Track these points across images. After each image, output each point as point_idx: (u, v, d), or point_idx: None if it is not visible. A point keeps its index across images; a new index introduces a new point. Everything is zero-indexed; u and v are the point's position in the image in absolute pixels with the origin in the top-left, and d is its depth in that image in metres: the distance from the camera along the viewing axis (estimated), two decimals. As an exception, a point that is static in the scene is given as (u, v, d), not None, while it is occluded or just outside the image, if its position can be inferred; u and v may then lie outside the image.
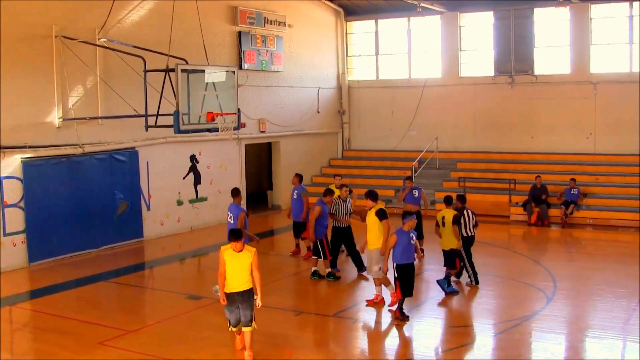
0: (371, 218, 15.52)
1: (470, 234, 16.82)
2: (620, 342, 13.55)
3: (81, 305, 15.86)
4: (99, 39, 20.79)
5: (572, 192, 25.37)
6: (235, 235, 11.85)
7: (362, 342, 13.84)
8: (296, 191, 20.20)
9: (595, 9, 28.19)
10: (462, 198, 17.16)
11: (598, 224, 24.85)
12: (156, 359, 12.54)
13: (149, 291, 18.06)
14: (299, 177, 20.54)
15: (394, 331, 14.34)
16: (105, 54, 21.16)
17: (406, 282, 14.32)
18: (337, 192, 18.74)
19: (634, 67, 27.57)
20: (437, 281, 16.34)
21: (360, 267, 18.00)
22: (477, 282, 16.63)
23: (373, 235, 15.42)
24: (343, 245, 18.52)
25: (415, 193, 20.12)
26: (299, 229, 20.21)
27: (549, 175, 26.82)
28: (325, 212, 17.73)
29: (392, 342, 13.88)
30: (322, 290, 17.21)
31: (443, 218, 16.41)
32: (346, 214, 18.11)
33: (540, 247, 21.79)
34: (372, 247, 15.37)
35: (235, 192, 16.96)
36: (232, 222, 16.27)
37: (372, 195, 15.86)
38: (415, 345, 13.69)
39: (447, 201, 16.74)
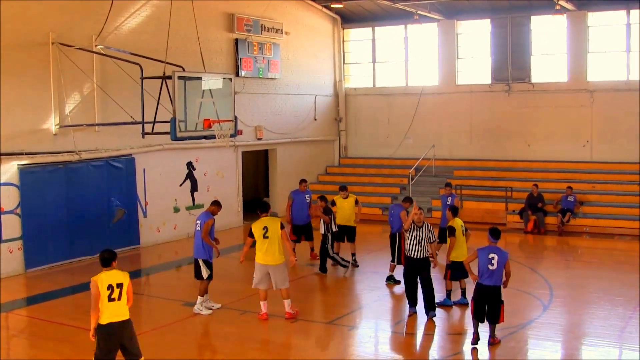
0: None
1: None
2: (617, 349, 13.59)
3: (77, 312, 15.81)
4: (96, 46, 20.82)
5: (568, 199, 25.39)
6: (104, 260, 10.70)
7: (357, 350, 13.81)
8: (307, 195, 20.52)
9: (592, 17, 28.27)
10: (454, 209, 16.93)
11: (594, 231, 24.87)
12: (152, 366, 12.51)
13: (145, 298, 18.00)
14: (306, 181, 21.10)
15: (389, 339, 14.35)
16: (102, 61, 21.18)
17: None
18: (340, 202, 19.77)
19: (631, 75, 27.63)
20: (438, 304, 15.46)
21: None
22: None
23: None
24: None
25: (449, 200, 20.77)
26: (308, 231, 20.54)
27: (546, 183, 26.84)
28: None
29: (386, 350, 13.88)
30: (319, 298, 17.20)
31: (462, 226, 15.96)
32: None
33: (537, 255, 21.79)
34: None
35: (215, 203, 16.68)
36: (198, 229, 15.99)
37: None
38: (411, 352, 13.68)
39: (454, 211, 16.40)
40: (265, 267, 14.66)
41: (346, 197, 19.87)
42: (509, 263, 13.00)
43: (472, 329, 13.09)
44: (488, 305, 12.88)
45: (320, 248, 19.35)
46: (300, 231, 20.43)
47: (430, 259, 14.91)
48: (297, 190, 20.78)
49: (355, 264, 19.77)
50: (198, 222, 15.66)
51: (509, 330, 13.75)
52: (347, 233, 19.87)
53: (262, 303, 14.90)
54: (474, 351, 12.89)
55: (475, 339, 12.98)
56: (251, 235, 14.71)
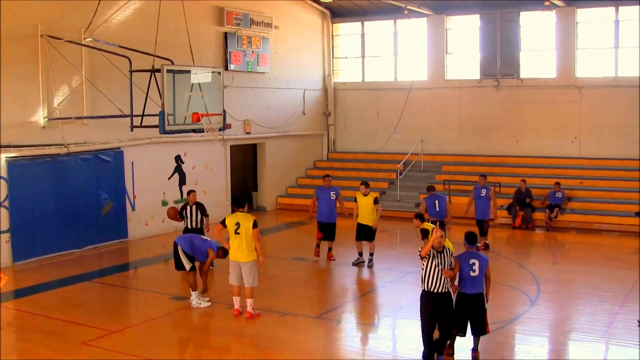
0: None
1: None
2: (603, 345, 13.63)
3: (65, 305, 15.80)
4: (84, 39, 20.76)
5: (556, 195, 25.48)
6: None
7: (344, 343, 13.85)
8: (333, 192, 19.96)
9: (581, 14, 28.33)
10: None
11: (582, 227, 24.98)
12: (139, 359, 12.51)
13: (133, 292, 18.02)
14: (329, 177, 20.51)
15: (376, 333, 14.38)
16: (91, 54, 21.11)
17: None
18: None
19: (619, 71, 27.74)
20: None
21: None
22: None
23: None
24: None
25: (483, 192, 21.28)
26: (330, 230, 19.99)
27: (534, 179, 26.94)
28: None
29: (374, 344, 13.91)
30: (307, 292, 17.21)
31: None
32: None
33: (524, 250, 21.89)
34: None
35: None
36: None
37: None
38: (398, 347, 13.73)
39: (421, 217, 16.64)
40: (237, 263, 14.68)
41: (366, 194, 19.22)
42: (489, 268, 12.43)
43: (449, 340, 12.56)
44: (471, 316, 12.35)
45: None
46: (322, 229, 19.92)
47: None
48: (322, 187, 20.27)
49: (369, 264, 19.32)
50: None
51: (497, 325, 13.79)
52: (365, 232, 19.31)
53: (234, 299, 14.90)
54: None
55: (452, 353, 12.53)
56: (223, 223, 14.72)
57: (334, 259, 19.80)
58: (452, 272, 11.92)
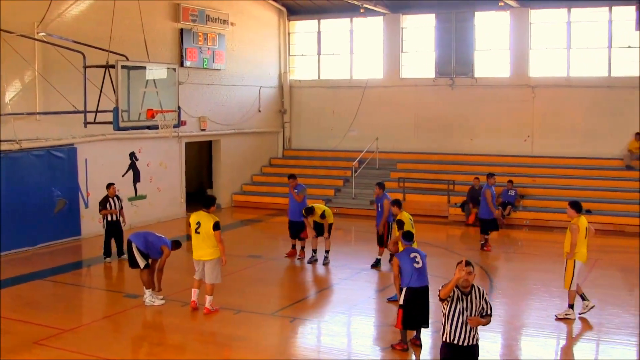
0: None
1: None
2: (555, 340, 13.85)
3: (17, 304, 15.59)
4: (38, 33, 20.51)
5: (509, 193, 25.75)
6: None
7: (299, 340, 13.88)
8: (296, 191, 19.83)
9: (534, 14, 28.69)
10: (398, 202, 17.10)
11: (534, 224, 25.31)
12: (93, 358, 12.41)
13: (86, 290, 17.86)
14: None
15: (330, 329, 14.41)
16: (44, 49, 20.86)
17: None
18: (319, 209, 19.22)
19: (571, 71, 28.14)
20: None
21: None
22: None
23: None
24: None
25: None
26: (298, 229, 19.93)
27: (487, 177, 27.17)
28: None
29: (328, 340, 13.93)
30: (262, 289, 17.20)
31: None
32: None
33: (478, 247, 22.04)
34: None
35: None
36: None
37: None
38: (353, 343, 13.76)
39: (398, 203, 16.81)
40: (199, 262, 14.74)
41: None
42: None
43: (401, 337, 12.72)
44: (418, 310, 12.54)
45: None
46: (291, 228, 20.04)
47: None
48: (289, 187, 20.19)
49: (325, 262, 19.33)
50: None
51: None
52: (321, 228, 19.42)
53: (193, 290, 14.96)
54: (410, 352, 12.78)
55: (419, 344, 12.80)
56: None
57: (302, 257, 19.92)
58: (482, 320, 9.24)
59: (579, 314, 14.58)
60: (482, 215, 21.34)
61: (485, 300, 9.21)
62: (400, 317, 12.56)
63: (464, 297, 9.06)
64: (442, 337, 9.32)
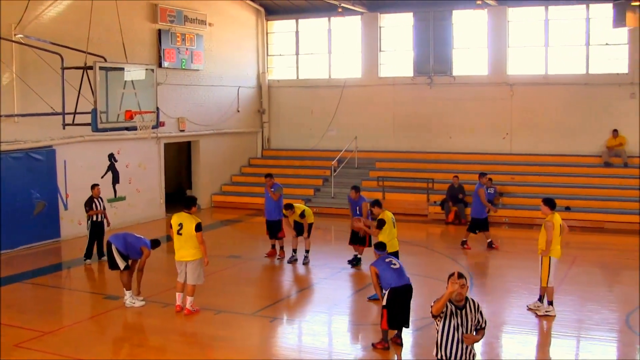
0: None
1: None
2: (535, 337, 13.95)
3: (-4, 306, 15.55)
4: (15, 35, 20.42)
5: (488, 191, 25.81)
6: None
7: (279, 340, 13.91)
8: (272, 189, 19.86)
9: (512, 12, 28.84)
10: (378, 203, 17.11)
11: (514, 222, 25.45)
12: (74, 360, 12.41)
13: (66, 292, 17.80)
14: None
15: (310, 329, 14.44)
16: (21, 50, 20.77)
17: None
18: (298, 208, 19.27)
19: (549, 69, 28.31)
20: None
21: None
22: None
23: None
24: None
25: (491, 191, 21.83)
26: (275, 228, 19.97)
27: (467, 175, 27.16)
28: None
29: (309, 340, 13.95)
30: (243, 290, 17.21)
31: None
32: None
33: (457, 245, 22.15)
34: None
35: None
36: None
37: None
38: (334, 343, 13.81)
39: (378, 204, 16.79)
40: (181, 263, 14.74)
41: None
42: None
43: (382, 336, 12.80)
44: (399, 309, 12.60)
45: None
46: (269, 227, 20.08)
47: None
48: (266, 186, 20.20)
49: (305, 261, 19.45)
50: None
51: (429, 320, 13.96)
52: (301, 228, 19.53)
53: (177, 294, 14.95)
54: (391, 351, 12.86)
55: (400, 343, 12.86)
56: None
57: (282, 257, 19.96)
58: (478, 337, 8.86)
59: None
60: (475, 215, 21.41)
61: (481, 313, 8.80)
62: (386, 318, 12.62)
63: (458, 312, 8.61)
64: (436, 356, 8.76)
